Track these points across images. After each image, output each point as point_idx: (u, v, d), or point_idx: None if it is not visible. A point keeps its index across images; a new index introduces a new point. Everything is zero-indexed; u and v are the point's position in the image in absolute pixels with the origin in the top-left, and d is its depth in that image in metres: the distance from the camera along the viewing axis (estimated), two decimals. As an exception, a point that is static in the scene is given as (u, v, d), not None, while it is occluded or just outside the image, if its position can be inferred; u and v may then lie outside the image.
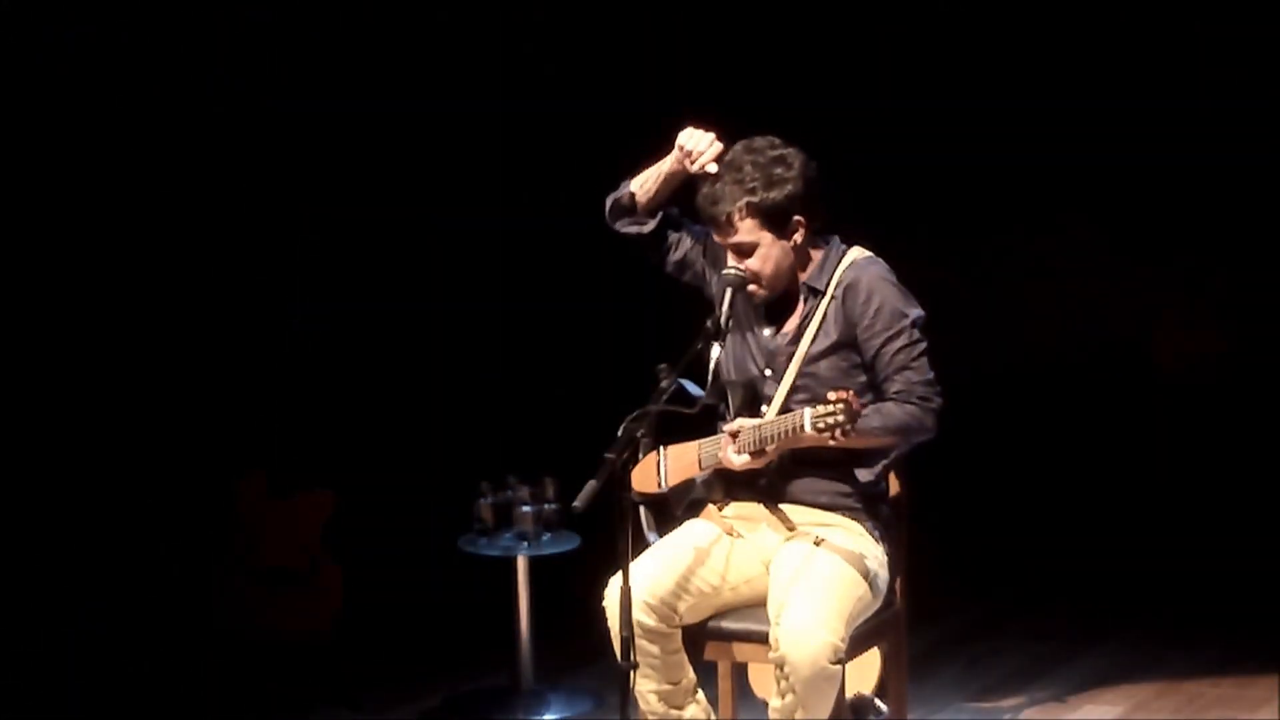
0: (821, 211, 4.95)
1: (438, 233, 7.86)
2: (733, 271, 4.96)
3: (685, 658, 4.99)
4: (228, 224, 7.62)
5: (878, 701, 5.71)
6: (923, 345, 4.91)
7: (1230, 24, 7.34)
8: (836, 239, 5.03)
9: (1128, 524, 7.61)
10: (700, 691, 5.04)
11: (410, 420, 7.86)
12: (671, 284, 5.24)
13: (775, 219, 4.90)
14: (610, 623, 4.92)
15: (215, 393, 7.60)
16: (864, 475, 4.96)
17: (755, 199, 4.88)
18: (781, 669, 4.76)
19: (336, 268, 7.76)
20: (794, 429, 4.76)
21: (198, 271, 7.61)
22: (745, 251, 4.93)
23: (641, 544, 5.07)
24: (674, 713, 4.97)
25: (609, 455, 4.64)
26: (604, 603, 4.95)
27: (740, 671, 5.59)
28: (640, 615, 4.87)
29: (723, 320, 4.92)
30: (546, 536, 6.33)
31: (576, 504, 4.60)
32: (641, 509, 5.13)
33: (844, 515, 4.99)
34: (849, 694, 5.34)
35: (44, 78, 7.33)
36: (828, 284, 4.95)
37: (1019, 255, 7.80)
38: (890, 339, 4.89)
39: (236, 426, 7.43)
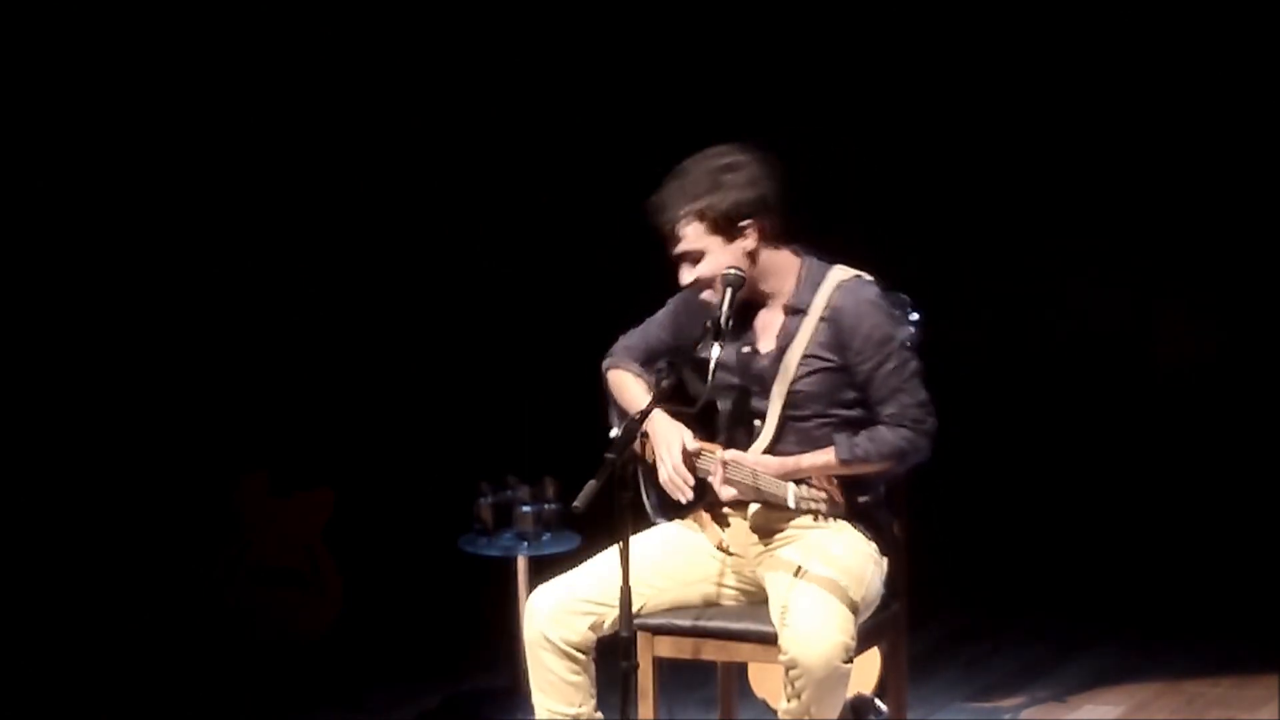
0: (781, 215, 4.88)
1: (440, 232, 7.86)
2: (733, 272, 4.94)
3: (590, 683, 4.94)
4: (227, 223, 7.62)
5: (878, 701, 5.71)
6: (914, 365, 4.89)
7: (1228, 23, 7.35)
8: (813, 258, 4.95)
9: (1127, 524, 7.61)
10: None
11: (410, 420, 7.86)
12: (672, 286, 5.23)
13: (722, 225, 4.85)
14: (526, 632, 4.89)
15: (215, 392, 7.60)
16: (861, 499, 4.95)
17: (698, 205, 4.83)
18: (790, 671, 4.73)
19: (336, 267, 7.76)
20: (779, 497, 4.79)
21: (198, 270, 7.60)
22: (694, 259, 4.89)
23: (646, 526, 5.05)
24: None
25: (609, 455, 4.63)
26: (526, 605, 4.92)
27: (740, 671, 5.58)
28: (556, 629, 4.85)
29: (723, 320, 4.90)
30: (546, 536, 6.33)
31: (576, 504, 4.59)
32: (641, 483, 5.05)
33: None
34: (849, 694, 5.33)
35: (41, 76, 7.34)
36: (811, 304, 4.91)
37: (1019, 256, 7.79)
38: (881, 362, 4.86)
39: (236, 426, 7.43)
